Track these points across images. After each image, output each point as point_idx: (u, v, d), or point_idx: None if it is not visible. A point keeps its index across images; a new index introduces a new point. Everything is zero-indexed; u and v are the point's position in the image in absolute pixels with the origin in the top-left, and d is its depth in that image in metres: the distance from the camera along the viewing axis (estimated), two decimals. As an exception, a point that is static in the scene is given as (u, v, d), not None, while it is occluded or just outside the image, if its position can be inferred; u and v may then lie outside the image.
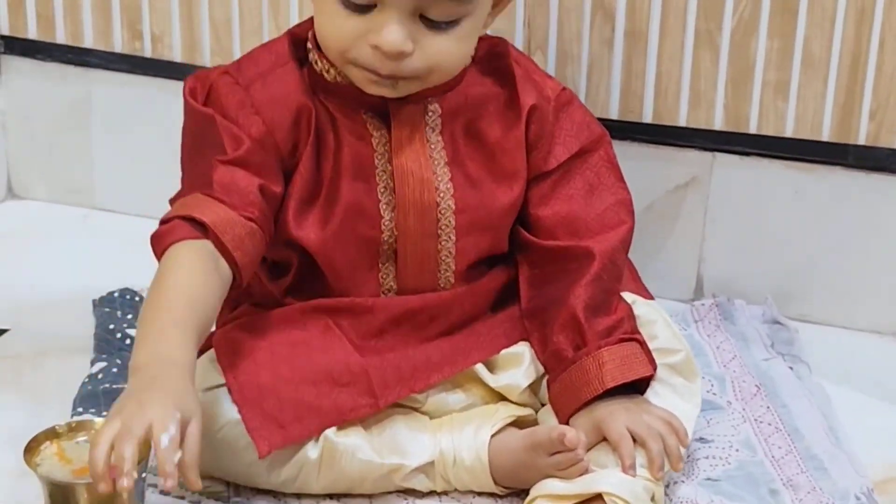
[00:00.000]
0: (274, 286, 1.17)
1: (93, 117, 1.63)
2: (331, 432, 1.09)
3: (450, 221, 1.15)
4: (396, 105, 1.13)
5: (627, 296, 1.19)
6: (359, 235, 1.14)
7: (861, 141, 1.42)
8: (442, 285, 1.17)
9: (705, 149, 1.46)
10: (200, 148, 1.11)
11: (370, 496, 1.13)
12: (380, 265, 1.16)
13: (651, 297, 1.24)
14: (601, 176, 1.20)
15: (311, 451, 1.09)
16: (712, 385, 1.30)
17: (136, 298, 1.42)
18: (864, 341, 1.46)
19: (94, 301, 1.42)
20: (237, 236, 1.06)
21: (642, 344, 1.14)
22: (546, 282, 1.18)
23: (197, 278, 1.03)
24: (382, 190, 1.14)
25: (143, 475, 1.00)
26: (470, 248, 1.17)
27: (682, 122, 1.45)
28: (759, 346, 1.40)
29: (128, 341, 1.34)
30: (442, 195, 1.14)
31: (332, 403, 1.09)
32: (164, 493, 0.92)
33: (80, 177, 1.66)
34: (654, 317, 1.19)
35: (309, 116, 1.12)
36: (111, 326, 1.36)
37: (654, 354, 1.15)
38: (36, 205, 1.68)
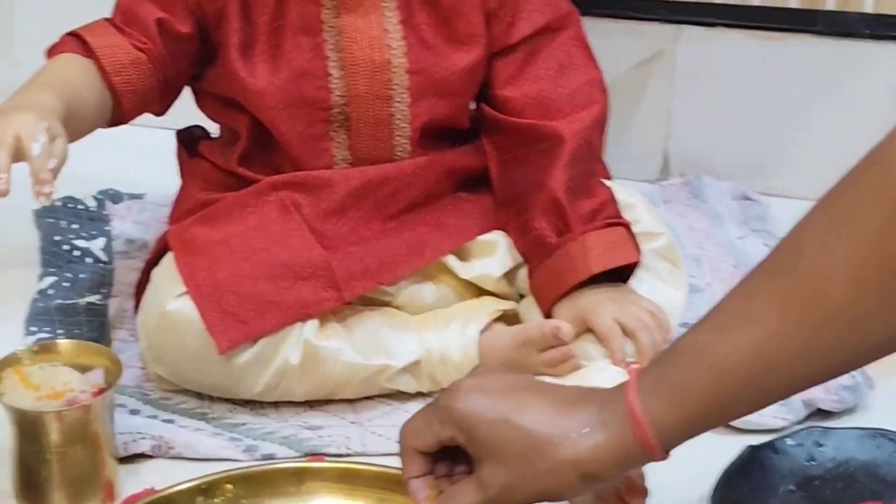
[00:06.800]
0: (227, 156, 1.13)
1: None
2: (311, 335, 1.05)
3: (403, 81, 1.10)
4: None
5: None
6: (306, 96, 1.09)
7: (829, 6, 1.38)
8: (398, 154, 1.12)
9: (669, 21, 1.41)
10: None
11: (351, 401, 1.09)
12: (331, 133, 1.11)
13: (609, 177, 1.18)
14: (572, 55, 1.15)
15: (292, 355, 1.05)
16: (689, 267, 1.25)
17: (80, 207, 1.35)
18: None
19: (35, 212, 1.33)
20: (119, 62, 1.06)
21: (629, 229, 1.10)
22: (518, 165, 1.13)
23: (74, 70, 1.05)
24: (331, 48, 1.09)
25: (112, 395, 0.95)
26: (424, 112, 1.12)
27: (645, -6, 1.41)
28: (732, 223, 1.37)
29: (76, 252, 1.28)
30: (394, 53, 1.10)
31: (294, 298, 1.05)
32: (45, 202, 0.94)
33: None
34: (633, 200, 1.15)
35: None
36: (57, 238, 1.29)
37: (637, 239, 1.10)
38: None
